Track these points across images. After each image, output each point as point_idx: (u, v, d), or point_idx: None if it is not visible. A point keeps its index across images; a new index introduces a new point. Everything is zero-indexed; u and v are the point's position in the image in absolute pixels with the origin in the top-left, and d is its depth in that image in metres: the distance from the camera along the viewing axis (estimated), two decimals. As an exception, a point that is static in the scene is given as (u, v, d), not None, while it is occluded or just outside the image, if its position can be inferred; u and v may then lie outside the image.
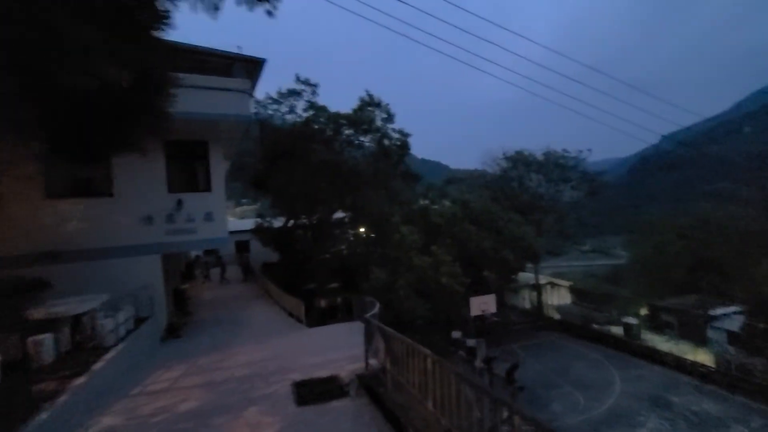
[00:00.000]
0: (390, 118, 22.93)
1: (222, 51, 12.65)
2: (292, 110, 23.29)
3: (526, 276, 32.53)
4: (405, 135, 23.28)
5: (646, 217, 50.43)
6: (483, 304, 22.28)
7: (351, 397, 5.75)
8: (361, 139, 22.74)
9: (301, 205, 20.83)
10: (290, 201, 20.65)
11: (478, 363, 18.13)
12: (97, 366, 6.55)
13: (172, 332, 11.38)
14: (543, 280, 32.21)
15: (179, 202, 11.31)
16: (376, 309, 10.18)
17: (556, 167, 32.25)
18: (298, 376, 6.72)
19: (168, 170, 11.38)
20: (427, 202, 26.82)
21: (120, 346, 7.74)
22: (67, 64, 3.64)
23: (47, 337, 6.77)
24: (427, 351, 4.29)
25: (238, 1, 3.81)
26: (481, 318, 22.50)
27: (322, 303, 18.14)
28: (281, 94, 23.42)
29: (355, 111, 22.30)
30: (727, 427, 15.48)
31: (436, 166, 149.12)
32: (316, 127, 21.95)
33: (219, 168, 12.54)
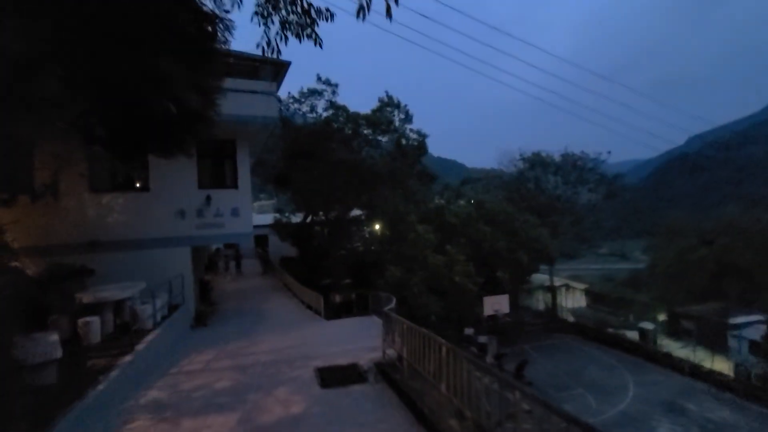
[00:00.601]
0: (408, 118, 23.36)
1: (249, 54, 13.26)
2: (312, 109, 23.95)
3: (540, 277, 32.46)
4: (422, 135, 23.67)
5: (668, 221, 49.36)
6: (496, 304, 22.54)
7: (370, 383, 6.22)
8: (379, 138, 23.23)
9: (319, 202, 21.47)
10: (309, 198, 21.32)
11: (489, 359, 18.46)
12: (140, 347, 7.21)
13: (200, 320, 12.12)
14: (558, 282, 32.11)
15: (208, 198, 12.01)
16: (393, 303, 10.64)
17: (574, 169, 32.04)
18: (321, 363, 7.25)
19: (198, 168, 12.08)
20: (443, 201, 27.13)
21: (158, 330, 8.43)
22: (159, 93, 4.33)
23: (95, 320, 7.47)
24: (442, 340, 4.72)
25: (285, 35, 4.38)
26: (493, 317, 22.75)
27: (338, 298, 18.73)
28: (302, 93, 24.08)
29: (374, 111, 22.80)
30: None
31: (453, 165, 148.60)
32: (336, 126, 22.54)
33: (245, 166, 13.19)
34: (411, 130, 23.38)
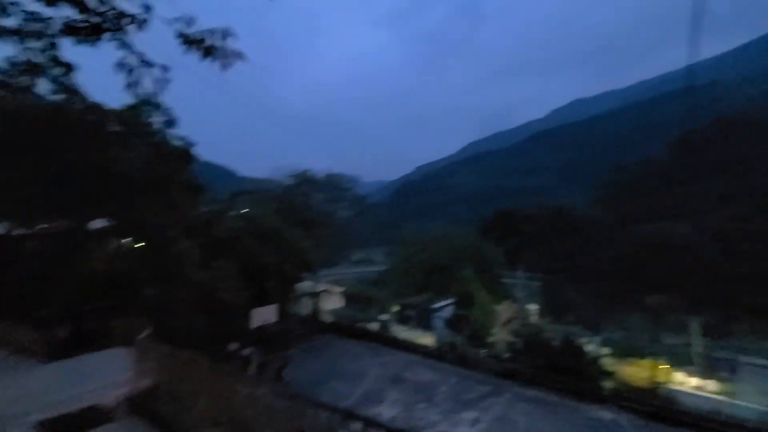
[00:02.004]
0: (172, 122, 21.19)
1: None
2: (29, 88, 18.12)
3: (307, 285, 35.58)
4: (189, 143, 21.97)
5: (402, 232, 63.66)
6: (264, 315, 23.36)
7: (119, 421, 5.85)
8: (134, 140, 20.04)
9: (39, 209, 16.47)
10: (22, 203, 16.04)
11: (252, 369, 19.02)
12: None
13: None
14: (321, 288, 36.03)
15: None
16: (147, 331, 9.80)
17: (335, 188, 37.10)
18: (45, 416, 6.12)
19: None
20: (211, 213, 25.81)
21: None
22: None
23: None
24: (201, 359, 5.20)
25: None
26: (262, 328, 23.43)
27: (67, 330, 14.96)
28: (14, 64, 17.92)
29: (128, 108, 19.50)
30: (437, 387, 21.84)
31: (224, 172, 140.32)
32: (71, 117, 17.96)
33: None
34: (174, 135, 21.25)
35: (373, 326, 31.90)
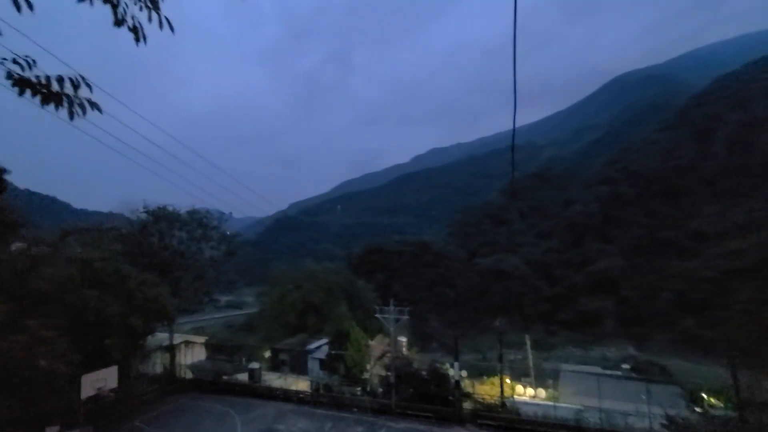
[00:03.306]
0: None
1: None
2: None
3: (160, 337, 30.53)
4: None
5: (274, 271, 60.76)
6: (100, 381, 19.13)
7: None
8: None
9: None
10: None
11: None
12: None
13: None
14: (179, 339, 31.36)
15: None
16: None
17: (200, 226, 33.69)
18: None
19: None
20: (30, 257, 20.39)
21: None
22: None
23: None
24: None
25: None
26: (97, 398, 19.06)
27: None
28: None
29: None
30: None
31: (52, 204, 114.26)
32: None
33: None
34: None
35: (242, 377, 29.10)
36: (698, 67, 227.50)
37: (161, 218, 31.26)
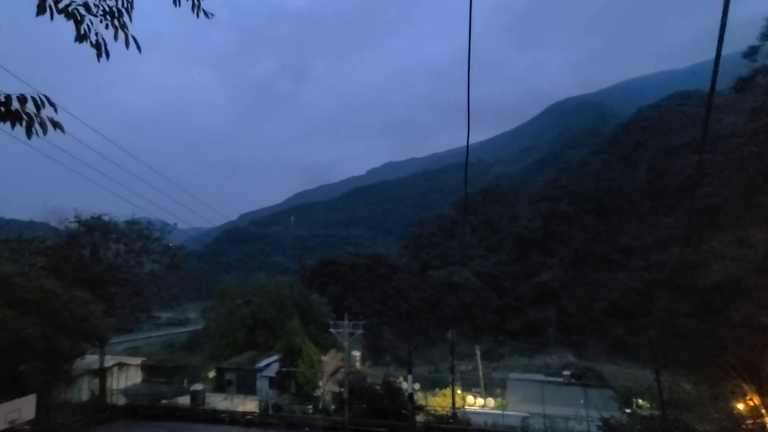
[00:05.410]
0: None
1: None
2: None
3: (90, 360, 27.68)
4: None
5: (221, 284, 57.58)
6: (13, 412, 17.00)
7: None
8: None
9: None
10: None
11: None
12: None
13: None
14: (111, 361, 28.62)
15: None
16: None
17: (140, 238, 31.30)
18: None
19: None
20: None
21: None
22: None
23: None
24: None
25: None
26: (9, 431, 16.86)
27: None
28: None
29: None
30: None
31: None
32: None
33: None
34: None
35: (184, 401, 27.11)
36: (625, 98, 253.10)
37: (95, 229, 28.67)
